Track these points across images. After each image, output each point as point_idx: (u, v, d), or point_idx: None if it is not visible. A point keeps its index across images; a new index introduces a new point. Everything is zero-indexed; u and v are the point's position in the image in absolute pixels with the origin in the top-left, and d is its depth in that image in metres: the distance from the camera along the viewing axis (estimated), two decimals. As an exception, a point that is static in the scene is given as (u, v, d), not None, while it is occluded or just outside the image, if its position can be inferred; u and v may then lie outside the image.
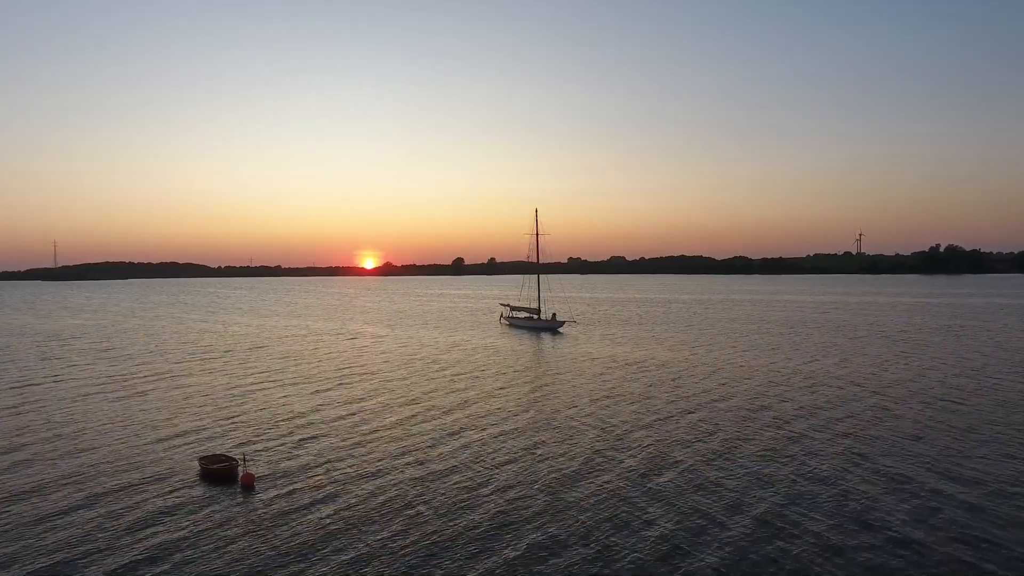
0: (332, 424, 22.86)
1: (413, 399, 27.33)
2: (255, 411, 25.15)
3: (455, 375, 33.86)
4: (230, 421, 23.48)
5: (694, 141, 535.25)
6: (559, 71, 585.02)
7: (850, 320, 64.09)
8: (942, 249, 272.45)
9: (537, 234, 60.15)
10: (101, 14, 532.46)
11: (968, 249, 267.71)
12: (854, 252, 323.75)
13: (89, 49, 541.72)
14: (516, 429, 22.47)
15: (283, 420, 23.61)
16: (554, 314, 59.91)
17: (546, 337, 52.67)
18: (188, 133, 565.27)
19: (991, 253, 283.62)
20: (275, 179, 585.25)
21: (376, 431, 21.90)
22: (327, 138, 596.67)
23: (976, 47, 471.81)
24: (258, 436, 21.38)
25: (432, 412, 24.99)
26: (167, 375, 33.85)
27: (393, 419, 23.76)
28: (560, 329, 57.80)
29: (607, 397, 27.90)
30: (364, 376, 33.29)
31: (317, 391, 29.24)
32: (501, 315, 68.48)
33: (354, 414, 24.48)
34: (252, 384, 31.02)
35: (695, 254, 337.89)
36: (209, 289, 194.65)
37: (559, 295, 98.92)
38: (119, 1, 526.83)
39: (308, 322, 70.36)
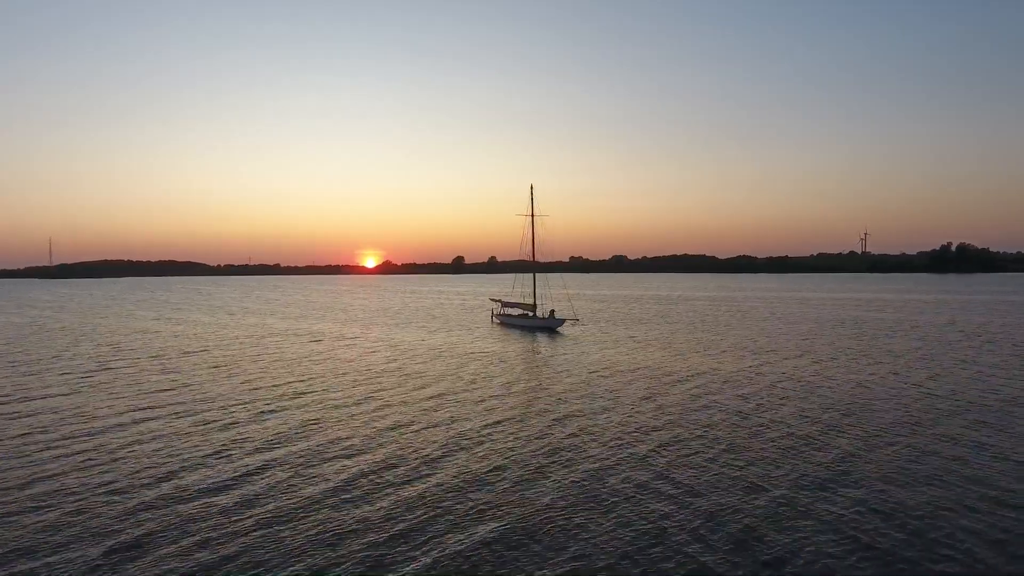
0: (198, 505, 13.92)
1: (353, 441, 18.46)
2: (71, 472, 16.32)
3: (423, 392, 25.09)
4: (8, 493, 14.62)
5: (694, 141, 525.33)
6: (559, 71, 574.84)
7: (912, 319, 55.03)
8: (953, 248, 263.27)
9: (533, 215, 51.05)
10: (101, 14, 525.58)
11: (978, 248, 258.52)
12: (859, 251, 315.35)
13: (89, 49, 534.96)
14: (496, 478, 13.63)
15: (100, 496, 14.76)
16: (552, 311, 50.93)
17: (543, 338, 43.89)
18: (188, 133, 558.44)
19: (999, 253, 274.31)
20: (275, 179, 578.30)
21: (274, 515, 13.02)
22: (327, 138, 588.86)
23: (977, 46, 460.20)
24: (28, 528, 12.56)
25: (378, 462, 16.18)
26: (16, 398, 25.06)
27: (312, 490, 14.88)
28: (559, 328, 48.96)
29: (623, 421, 19.04)
30: (299, 399, 24.48)
31: (215, 425, 20.44)
32: (492, 312, 59.61)
33: (250, 477, 15.56)
34: (120, 416, 22.18)
35: (697, 253, 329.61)
36: (197, 287, 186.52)
37: (559, 291, 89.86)
38: (119, 1, 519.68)
39: (274, 321, 61.75)
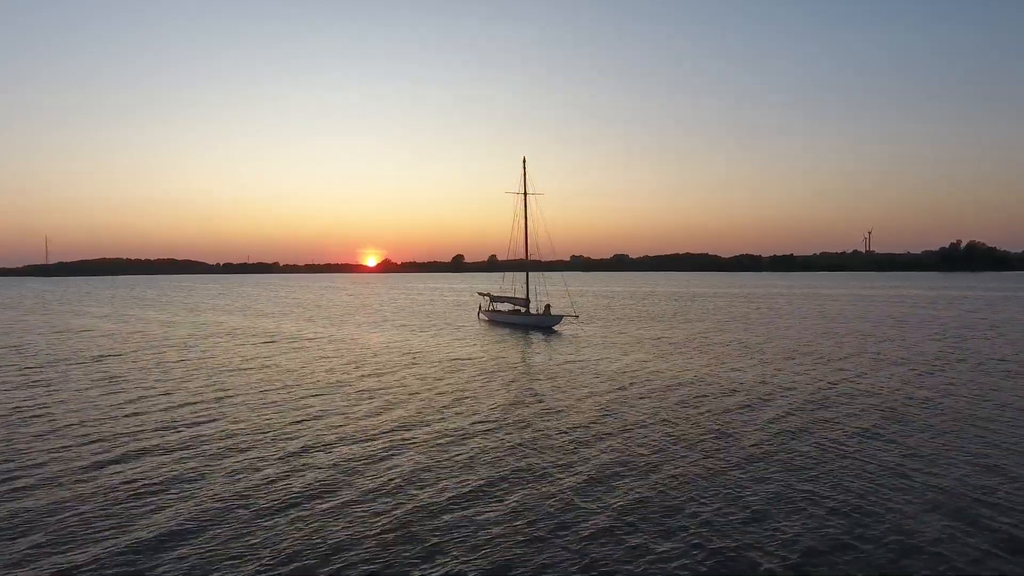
0: None
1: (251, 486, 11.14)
2: None
3: (369, 414, 17.79)
4: None
5: (695, 140, 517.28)
6: (560, 70, 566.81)
7: (983, 318, 47.61)
8: (962, 246, 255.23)
9: (525, 193, 43.47)
10: (101, 14, 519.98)
11: (988, 246, 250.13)
12: (862, 250, 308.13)
13: (88, 49, 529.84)
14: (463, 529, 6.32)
15: None
16: (547, 306, 43.51)
17: (536, 338, 36.57)
18: (188, 133, 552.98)
19: (1005, 252, 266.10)
20: (275, 179, 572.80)
21: None
22: (327, 138, 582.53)
23: (980, 46, 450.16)
24: None
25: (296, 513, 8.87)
26: None
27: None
28: (555, 327, 41.59)
29: (631, 442, 11.68)
30: (190, 427, 17.22)
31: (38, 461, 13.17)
32: (479, 308, 52.22)
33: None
34: None
35: (699, 252, 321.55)
36: (185, 284, 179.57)
37: (559, 288, 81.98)
38: (119, 1, 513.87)
39: (236, 318, 54.50)
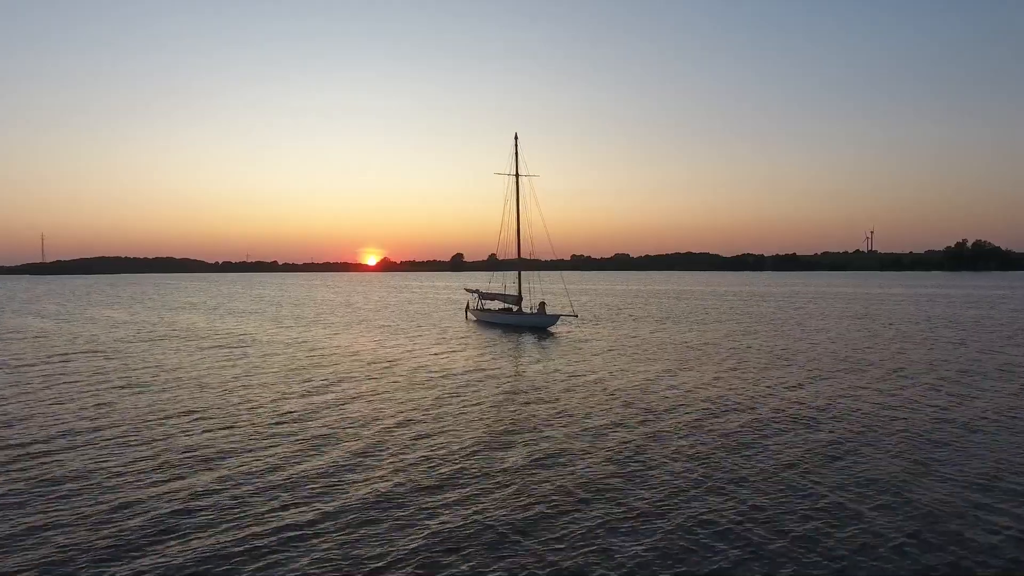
0: None
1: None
2: None
3: (316, 452, 12.27)
4: None
5: (696, 139, 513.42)
6: (562, 69, 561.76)
7: (1007, 318, 42.18)
8: (969, 245, 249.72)
9: (517, 175, 37.70)
10: (100, 13, 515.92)
11: (994, 245, 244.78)
12: (864, 250, 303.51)
13: (87, 47, 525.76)
14: None
15: None
16: (542, 304, 37.89)
17: (529, 341, 31.09)
18: (188, 132, 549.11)
19: (1010, 251, 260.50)
20: (275, 178, 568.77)
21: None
22: (327, 138, 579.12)
23: (982, 46, 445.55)
24: None
25: None
26: None
27: None
28: (552, 327, 35.98)
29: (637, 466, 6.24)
30: (61, 471, 11.67)
31: None
32: (467, 306, 46.63)
33: None
34: None
35: (701, 251, 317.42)
36: (170, 282, 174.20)
37: (555, 285, 76.06)
38: (119, 1, 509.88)
39: (197, 318, 49.00)
